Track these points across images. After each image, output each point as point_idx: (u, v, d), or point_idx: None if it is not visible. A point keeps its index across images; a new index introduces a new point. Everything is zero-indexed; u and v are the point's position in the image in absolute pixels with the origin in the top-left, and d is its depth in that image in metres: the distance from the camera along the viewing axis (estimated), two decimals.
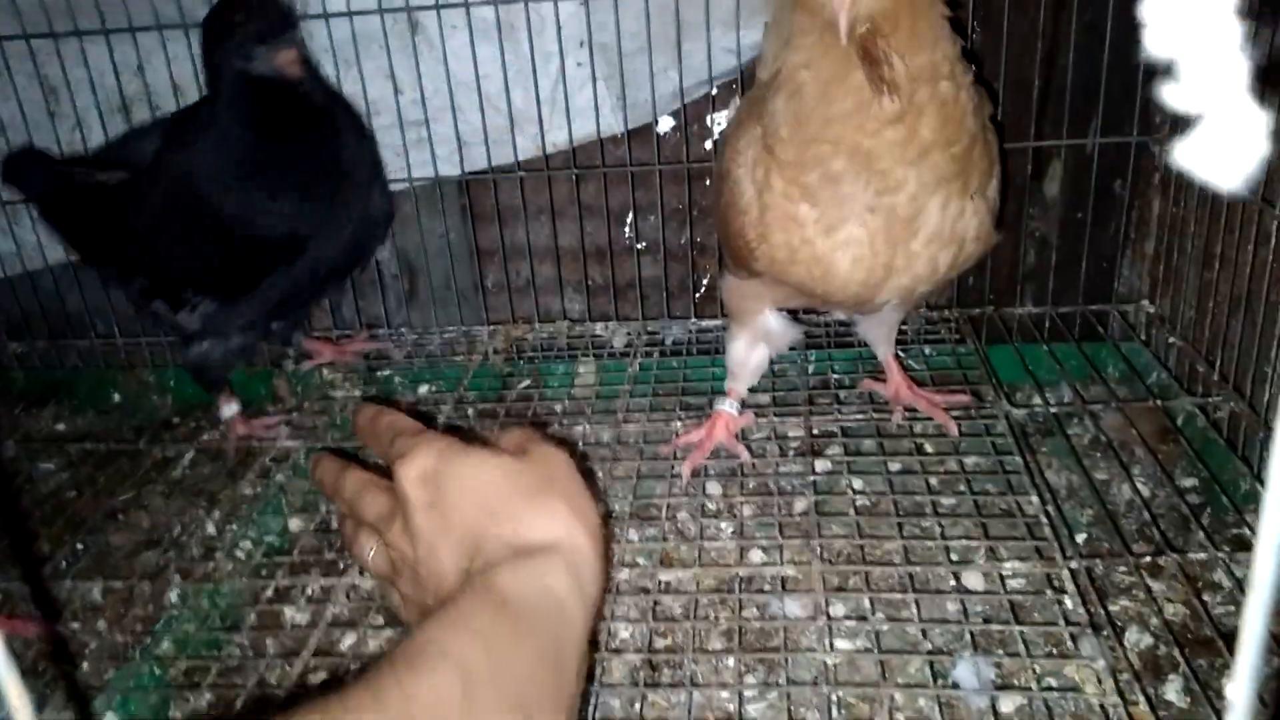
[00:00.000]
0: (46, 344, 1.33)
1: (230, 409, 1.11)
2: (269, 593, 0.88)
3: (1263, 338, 0.92)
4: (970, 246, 0.82)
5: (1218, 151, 0.18)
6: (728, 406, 1.00)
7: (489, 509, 0.50)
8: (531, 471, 0.52)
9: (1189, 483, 0.97)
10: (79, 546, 0.99)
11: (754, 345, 0.99)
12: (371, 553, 0.56)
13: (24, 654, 0.86)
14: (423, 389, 1.20)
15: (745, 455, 0.98)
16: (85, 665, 0.82)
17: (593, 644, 0.51)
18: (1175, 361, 1.09)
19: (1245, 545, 0.84)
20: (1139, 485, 0.96)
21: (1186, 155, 0.18)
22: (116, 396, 1.32)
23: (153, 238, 1.02)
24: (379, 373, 1.23)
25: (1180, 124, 0.17)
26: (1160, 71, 0.18)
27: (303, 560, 0.91)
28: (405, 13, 1.12)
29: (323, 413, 1.15)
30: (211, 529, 0.98)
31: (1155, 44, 0.18)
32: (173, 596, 0.88)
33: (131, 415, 1.29)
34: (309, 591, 0.88)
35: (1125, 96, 1.09)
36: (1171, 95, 0.18)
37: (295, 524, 0.99)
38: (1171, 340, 1.10)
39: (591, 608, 0.50)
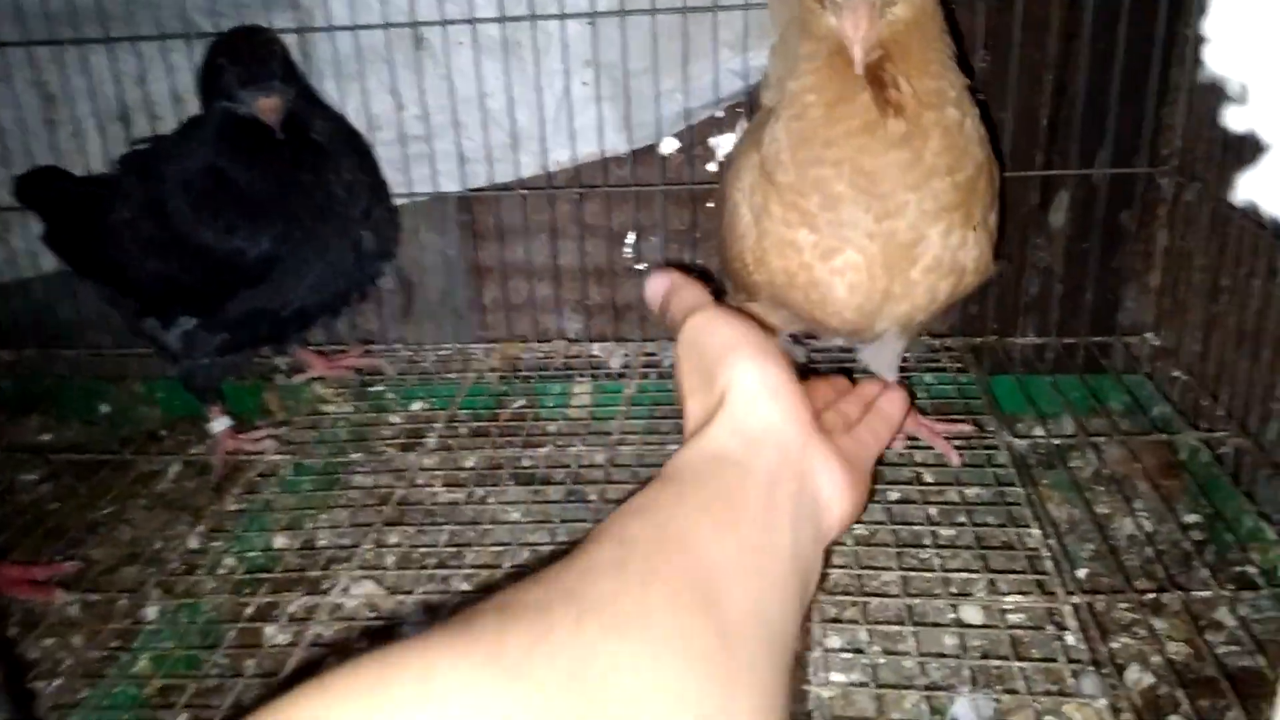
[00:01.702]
0: (36, 353, 1.31)
1: (220, 423, 1.09)
2: (250, 610, 0.86)
3: (1268, 372, 0.91)
4: (970, 277, 0.81)
5: None
6: None
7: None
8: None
9: (1192, 519, 0.95)
10: (57, 559, 0.97)
11: None
12: None
13: None
14: (415, 405, 1.18)
15: None
16: (59, 682, 0.80)
17: None
18: (1180, 395, 1.08)
19: (1249, 584, 0.82)
20: (1141, 520, 0.94)
21: (1253, 188, 0.17)
22: (104, 407, 1.30)
23: (115, 240, 1.03)
24: (371, 388, 1.21)
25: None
26: (1221, 92, 0.17)
27: (286, 578, 0.89)
28: (410, 28, 1.11)
29: (312, 427, 1.14)
30: (194, 544, 0.96)
31: (1217, 61, 0.16)
32: (151, 612, 0.86)
33: (119, 427, 1.27)
34: (291, 610, 0.85)
35: (1135, 128, 1.08)
36: (1235, 118, 0.16)
37: (280, 541, 0.97)
38: (1176, 374, 1.09)
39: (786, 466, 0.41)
